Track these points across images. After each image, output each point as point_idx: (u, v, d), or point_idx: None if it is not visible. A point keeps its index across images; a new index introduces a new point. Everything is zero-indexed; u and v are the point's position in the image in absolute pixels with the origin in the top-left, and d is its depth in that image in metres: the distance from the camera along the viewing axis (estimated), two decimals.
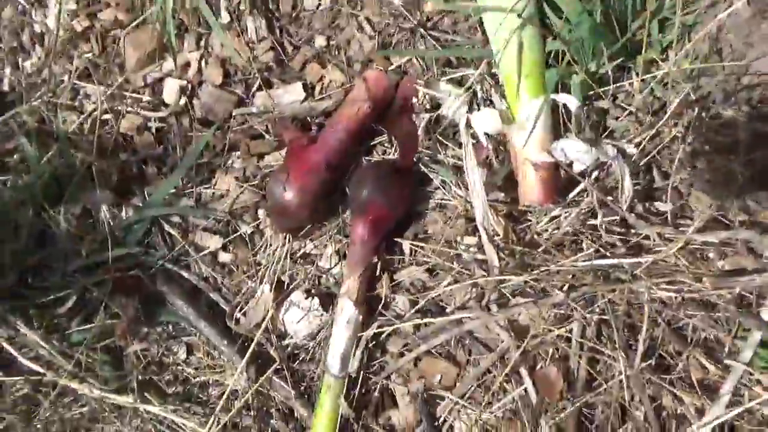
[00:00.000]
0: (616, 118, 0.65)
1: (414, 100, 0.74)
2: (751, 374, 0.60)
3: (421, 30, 0.77)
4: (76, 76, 0.90)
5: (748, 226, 0.60)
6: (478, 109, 0.72)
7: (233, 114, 0.83)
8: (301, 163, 0.73)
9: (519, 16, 0.62)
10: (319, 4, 0.83)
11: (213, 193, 0.83)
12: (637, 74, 0.64)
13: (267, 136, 0.82)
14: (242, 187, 0.81)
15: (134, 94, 0.88)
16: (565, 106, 0.66)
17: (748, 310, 0.60)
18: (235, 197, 0.82)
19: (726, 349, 0.60)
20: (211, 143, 0.83)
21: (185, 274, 0.81)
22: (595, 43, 0.62)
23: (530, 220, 0.70)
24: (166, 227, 0.83)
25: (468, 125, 0.67)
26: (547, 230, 0.68)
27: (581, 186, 0.65)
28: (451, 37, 0.77)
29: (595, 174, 0.65)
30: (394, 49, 0.79)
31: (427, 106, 0.75)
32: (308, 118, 0.80)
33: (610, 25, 0.64)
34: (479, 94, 0.70)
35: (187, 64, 0.87)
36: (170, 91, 0.87)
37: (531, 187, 0.65)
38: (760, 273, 0.60)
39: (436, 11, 0.78)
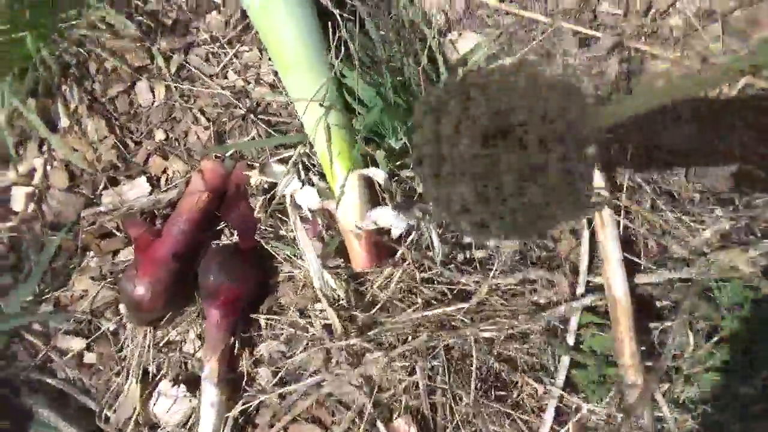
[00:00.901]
0: None
1: (248, 184, 0.78)
2: (576, 393, 0.68)
3: (252, 116, 0.82)
4: None
5: (543, 265, 0.69)
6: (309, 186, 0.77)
7: (82, 215, 0.85)
8: (148, 258, 0.76)
9: (321, 104, 0.69)
10: (154, 101, 0.86)
11: (72, 295, 0.84)
12: None
13: (117, 233, 0.84)
14: (99, 285, 0.83)
15: None
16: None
17: (556, 337, 0.68)
18: (93, 296, 0.83)
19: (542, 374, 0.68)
20: (62, 246, 0.84)
21: (51, 381, 0.81)
22: (390, 122, 0.69)
23: (370, 280, 0.75)
24: (27, 336, 0.83)
25: (294, 203, 0.73)
26: (386, 287, 0.75)
27: (401, 250, 0.71)
28: (282, 119, 0.83)
29: (413, 235, 0.72)
30: (229, 135, 0.84)
31: (265, 186, 0.80)
32: (155, 211, 0.83)
33: (404, 102, 0.71)
34: (302, 173, 0.75)
35: (33, 170, 0.89)
36: (18, 198, 0.87)
37: (357, 254, 0.71)
38: (561, 304, 0.68)
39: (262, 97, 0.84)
